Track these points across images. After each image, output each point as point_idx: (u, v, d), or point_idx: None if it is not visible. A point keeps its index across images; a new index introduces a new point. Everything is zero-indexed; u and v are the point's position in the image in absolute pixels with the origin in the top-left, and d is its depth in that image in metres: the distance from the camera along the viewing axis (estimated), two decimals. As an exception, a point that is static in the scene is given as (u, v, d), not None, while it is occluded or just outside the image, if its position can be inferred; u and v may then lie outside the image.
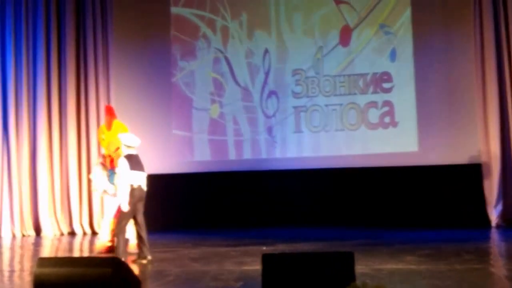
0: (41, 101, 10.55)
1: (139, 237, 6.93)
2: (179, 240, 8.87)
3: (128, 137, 7.06)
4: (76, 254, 8.49)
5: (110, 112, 7.92)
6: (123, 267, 3.18)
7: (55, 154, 10.57)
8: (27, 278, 6.19)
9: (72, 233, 10.36)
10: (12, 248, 9.08)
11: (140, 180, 6.93)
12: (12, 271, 7.01)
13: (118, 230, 6.80)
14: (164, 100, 10.79)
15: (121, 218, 6.81)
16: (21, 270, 7.08)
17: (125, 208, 6.70)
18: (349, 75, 10.30)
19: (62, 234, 10.34)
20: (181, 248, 7.94)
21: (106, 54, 10.74)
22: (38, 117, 10.55)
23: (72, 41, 10.71)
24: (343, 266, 4.04)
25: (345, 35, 10.32)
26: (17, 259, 8.29)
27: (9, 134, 10.52)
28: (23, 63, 10.60)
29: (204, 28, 10.81)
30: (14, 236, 10.27)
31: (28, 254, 8.45)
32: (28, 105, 10.61)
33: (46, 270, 2.82)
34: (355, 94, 10.27)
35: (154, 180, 10.51)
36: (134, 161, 6.86)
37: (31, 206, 10.50)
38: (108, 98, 10.66)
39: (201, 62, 10.83)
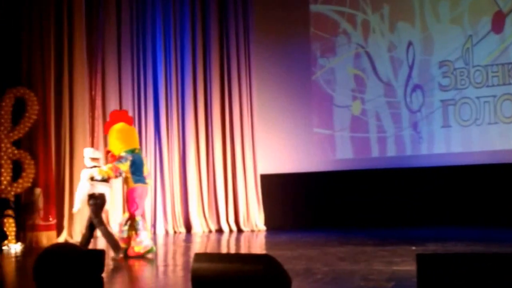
0: (189, 104, 10.94)
1: (89, 237, 7.55)
2: (325, 238, 8.73)
3: (92, 151, 7.91)
4: (224, 250, 8.71)
5: (113, 117, 8.01)
6: (275, 264, 3.11)
7: (202, 156, 10.92)
8: (180, 273, 6.46)
9: (219, 231, 10.66)
10: (165, 244, 9.52)
11: (103, 189, 7.50)
12: (166, 266, 7.36)
13: (101, 230, 7.42)
14: (305, 98, 10.75)
15: (95, 223, 7.40)
16: (174, 265, 7.38)
17: (75, 210, 7.68)
18: (503, 64, 9.51)
19: (210, 231, 10.67)
20: (327, 246, 7.78)
21: (248, 54, 10.90)
22: (186, 120, 10.96)
23: (216, 42, 10.97)
24: None
25: (498, 22, 9.55)
26: (170, 254, 8.70)
27: (161, 138, 11.09)
28: (172, 68, 11.06)
29: (344, 24, 10.61)
30: (167, 233, 10.76)
31: (180, 250, 8.82)
32: (178, 109, 11.08)
33: (202, 265, 2.84)
34: (510, 84, 9.47)
35: (296, 178, 10.60)
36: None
37: (181, 205, 10.95)
38: (250, 98, 10.83)
39: (341, 58, 10.65)
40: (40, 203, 9.34)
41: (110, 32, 10.95)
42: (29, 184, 9.11)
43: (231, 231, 10.60)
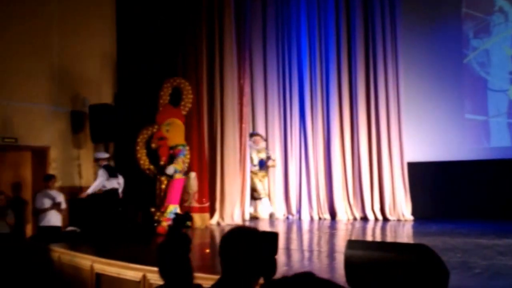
0: (333, 90, 10.61)
1: None
2: (479, 230, 7.95)
3: (102, 153, 9.09)
4: (369, 238, 8.33)
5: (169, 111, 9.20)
6: (432, 255, 2.76)
7: (347, 142, 10.57)
8: (325, 260, 6.23)
9: (364, 218, 10.25)
10: (310, 230, 9.32)
11: (115, 184, 8.73)
12: (311, 252, 7.17)
13: None
14: (456, 83, 9.91)
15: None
16: (319, 251, 7.18)
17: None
18: None
19: (355, 219, 10.31)
20: (483, 239, 7.04)
21: (394, 38, 10.20)
22: (331, 106, 10.65)
23: (361, 26, 10.44)
24: None
25: None
26: (315, 241, 8.50)
27: (306, 124, 10.94)
28: (317, 53, 10.78)
29: (500, 1, 9.58)
30: (312, 219, 10.61)
31: (325, 237, 8.59)
32: (322, 95, 10.80)
33: (356, 252, 2.60)
34: None
35: (446, 167, 9.86)
36: (112, 170, 8.81)
37: (326, 191, 10.72)
38: (397, 83, 10.19)
39: (497, 38, 9.63)
40: (195, 186, 9.63)
41: (257, 23, 11.04)
42: (186, 169, 9.45)
43: (376, 219, 10.13)
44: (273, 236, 2.37)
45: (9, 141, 9.01)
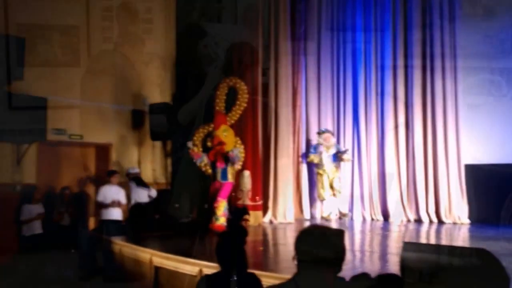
0: (388, 89, 10.42)
1: None
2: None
3: (132, 168, 9.54)
4: (422, 241, 8.15)
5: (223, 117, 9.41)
6: (494, 260, 2.69)
7: (401, 143, 10.35)
8: (376, 262, 6.14)
9: (418, 221, 10.04)
10: (362, 231, 9.20)
11: (142, 197, 8.98)
12: (362, 252, 7.09)
13: None
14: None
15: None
16: (371, 252, 7.08)
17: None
18: None
19: (408, 221, 10.11)
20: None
21: (453, 33, 9.92)
22: (385, 106, 10.48)
23: (419, 20, 10.19)
24: None
25: None
26: (367, 241, 8.39)
27: (359, 124, 10.78)
28: (372, 53, 10.62)
29: None
30: (364, 220, 10.46)
31: (377, 238, 8.46)
32: (376, 94, 10.58)
33: (412, 255, 2.54)
34: None
35: (506, 169, 9.45)
36: (139, 181, 9.15)
37: (379, 192, 10.56)
38: (455, 81, 9.87)
39: None
40: (248, 184, 9.69)
41: (311, 23, 10.95)
42: (240, 167, 9.52)
43: (431, 222, 9.88)
44: (341, 233, 2.45)
45: (75, 137, 9.34)
